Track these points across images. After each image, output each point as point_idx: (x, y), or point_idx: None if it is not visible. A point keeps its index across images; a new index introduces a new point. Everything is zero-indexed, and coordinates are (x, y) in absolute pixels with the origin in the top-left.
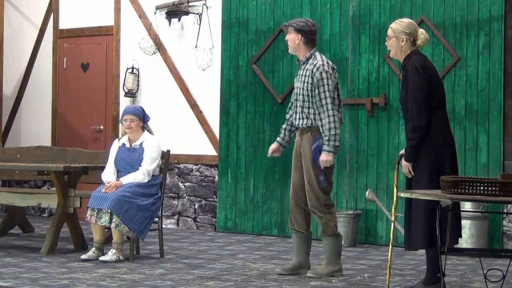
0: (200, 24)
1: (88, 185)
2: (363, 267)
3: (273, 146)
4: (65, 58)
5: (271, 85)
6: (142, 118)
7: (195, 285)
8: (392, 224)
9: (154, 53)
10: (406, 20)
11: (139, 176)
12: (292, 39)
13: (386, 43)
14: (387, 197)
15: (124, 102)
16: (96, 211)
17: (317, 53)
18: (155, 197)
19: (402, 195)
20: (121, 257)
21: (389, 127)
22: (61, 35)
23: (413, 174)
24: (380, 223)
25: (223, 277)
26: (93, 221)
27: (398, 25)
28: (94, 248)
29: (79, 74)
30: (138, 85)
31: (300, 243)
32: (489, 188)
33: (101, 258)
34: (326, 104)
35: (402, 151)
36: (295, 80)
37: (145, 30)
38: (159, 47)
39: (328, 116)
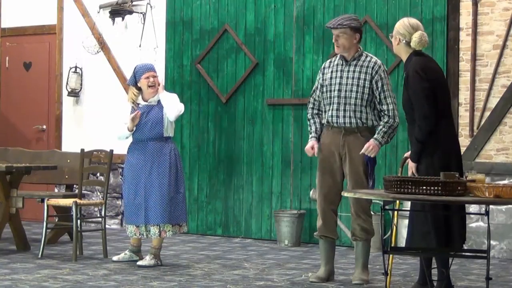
0: (144, 24)
1: (31, 185)
2: (307, 267)
3: (315, 144)
4: (7, 57)
5: (216, 85)
6: None
7: (138, 285)
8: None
9: (98, 52)
10: (406, 21)
11: (175, 107)
12: (349, 38)
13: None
14: None
15: (67, 101)
16: (143, 226)
17: (365, 52)
18: (169, 168)
19: (346, 194)
20: (159, 262)
21: None
22: (3, 33)
23: (416, 175)
24: None
25: (167, 278)
26: (141, 236)
27: (397, 25)
28: (127, 250)
29: (22, 73)
30: (81, 85)
31: (329, 249)
32: (432, 188)
33: (139, 263)
34: (391, 103)
35: (406, 154)
36: (333, 76)
37: (88, 29)
38: (103, 46)
39: (394, 116)
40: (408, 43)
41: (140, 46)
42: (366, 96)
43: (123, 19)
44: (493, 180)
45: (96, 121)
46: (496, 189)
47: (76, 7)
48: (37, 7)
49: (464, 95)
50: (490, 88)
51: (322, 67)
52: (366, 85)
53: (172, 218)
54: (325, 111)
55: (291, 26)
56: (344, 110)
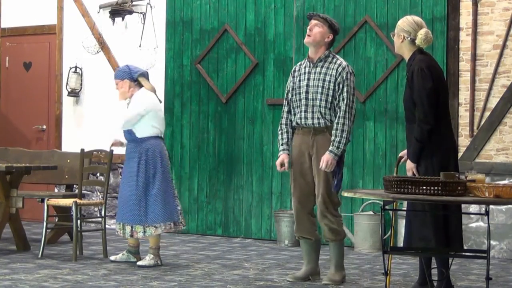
0: (144, 24)
1: (31, 185)
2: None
3: (285, 159)
4: (7, 57)
5: (216, 85)
6: (129, 77)
7: (138, 285)
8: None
9: (98, 52)
10: (410, 18)
11: (118, 121)
12: (321, 33)
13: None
14: None
15: (67, 101)
16: (121, 224)
17: (332, 54)
18: (137, 174)
19: (346, 194)
20: (159, 262)
21: None
22: (3, 33)
23: (417, 175)
24: None
25: (167, 277)
26: (121, 235)
27: (401, 22)
28: (125, 251)
29: (22, 73)
30: (81, 85)
31: (310, 250)
32: (432, 188)
33: (139, 263)
34: (346, 105)
35: (401, 153)
36: (301, 78)
37: (88, 29)
38: (103, 46)
39: (344, 117)
40: (413, 41)
41: (140, 46)
42: (331, 98)
43: (123, 19)
44: (493, 180)
45: (96, 121)
46: (496, 189)
47: (76, 7)
48: (37, 7)
49: (464, 95)
50: (490, 88)
51: (293, 70)
52: (330, 87)
53: (142, 219)
54: (295, 114)
55: (291, 26)
56: (312, 112)
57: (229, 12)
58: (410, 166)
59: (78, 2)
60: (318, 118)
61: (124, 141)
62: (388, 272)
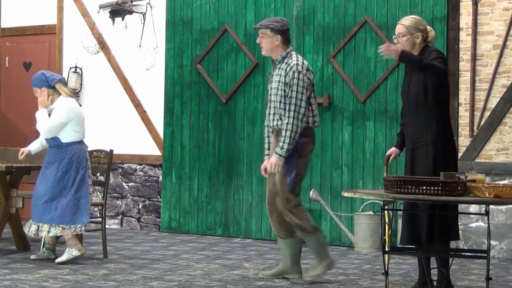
0: (144, 24)
1: (31, 185)
2: (306, 267)
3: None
4: (7, 57)
5: (215, 85)
6: (46, 85)
7: (138, 285)
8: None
9: (98, 52)
10: (417, 17)
11: (40, 137)
12: (270, 39)
13: (395, 41)
14: (331, 197)
15: None
16: (29, 223)
17: (293, 52)
18: (61, 173)
19: (346, 194)
20: (75, 252)
21: (333, 127)
22: (3, 33)
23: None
24: (324, 222)
25: (167, 277)
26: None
27: (411, 22)
28: (44, 248)
29: (22, 73)
30: (81, 85)
31: (284, 248)
32: (432, 188)
33: (58, 260)
34: (290, 104)
35: (389, 151)
36: (269, 81)
37: (88, 29)
38: (103, 46)
39: (289, 117)
40: (425, 39)
41: (140, 46)
42: (284, 99)
43: (123, 19)
44: (493, 180)
45: (96, 121)
46: (496, 189)
47: (76, 7)
48: (37, 7)
49: (464, 95)
50: (490, 88)
51: (269, 72)
52: (282, 88)
53: (50, 219)
54: None
55: (291, 26)
56: (273, 114)
57: (229, 12)
58: (396, 48)
59: (78, 2)
60: (278, 120)
61: (32, 149)
62: (387, 272)
